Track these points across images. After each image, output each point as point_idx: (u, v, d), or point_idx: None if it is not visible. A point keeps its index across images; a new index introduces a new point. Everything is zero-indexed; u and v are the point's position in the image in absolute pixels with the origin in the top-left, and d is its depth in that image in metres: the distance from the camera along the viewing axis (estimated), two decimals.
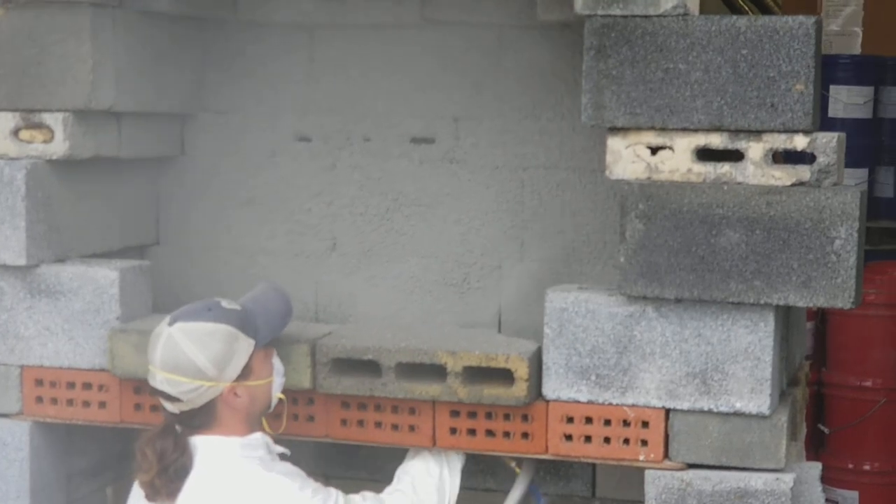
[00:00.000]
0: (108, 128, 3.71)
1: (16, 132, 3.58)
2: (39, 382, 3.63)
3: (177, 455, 3.17)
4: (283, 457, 3.32)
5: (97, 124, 3.66)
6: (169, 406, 3.21)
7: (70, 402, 3.62)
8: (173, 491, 3.17)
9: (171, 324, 3.19)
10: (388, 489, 3.41)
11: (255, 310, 3.27)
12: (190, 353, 3.14)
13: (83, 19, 3.54)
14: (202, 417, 3.20)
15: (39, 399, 3.63)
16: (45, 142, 3.57)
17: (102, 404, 3.59)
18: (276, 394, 3.32)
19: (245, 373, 3.20)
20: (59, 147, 3.56)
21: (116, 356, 3.51)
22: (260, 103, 4.06)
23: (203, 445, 3.21)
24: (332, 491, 3.26)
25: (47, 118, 3.56)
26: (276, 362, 3.33)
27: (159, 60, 3.85)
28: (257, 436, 3.27)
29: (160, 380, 3.17)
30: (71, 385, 3.61)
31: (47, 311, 3.59)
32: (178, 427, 3.22)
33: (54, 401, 3.62)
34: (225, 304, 3.24)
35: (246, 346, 3.19)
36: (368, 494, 3.34)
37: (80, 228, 3.72)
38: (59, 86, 3.55)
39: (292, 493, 3.17)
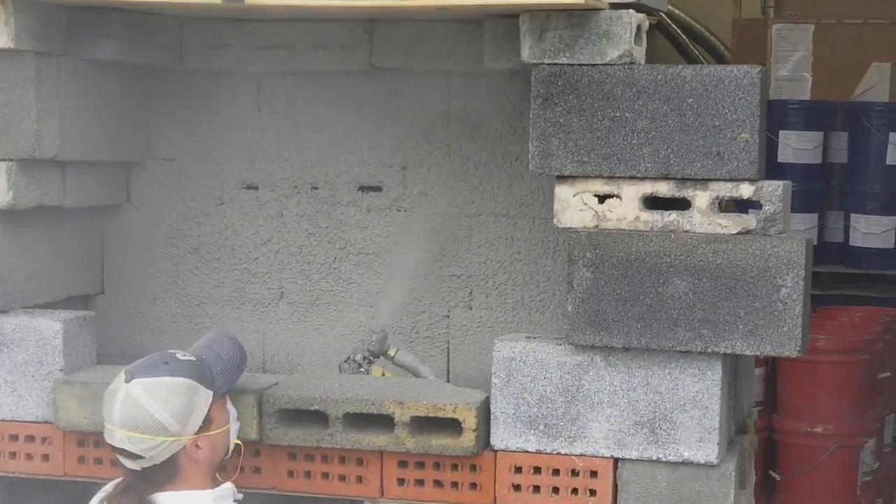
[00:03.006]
0: (53, 177, 3.68)
1: None
2: None
3: None
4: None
5: (41, 173, 3.62)
6: (129, 463, 3.13)
7: (13, 454, 3.56)
8: None
9: (128, 380, 3.10)
10: None
11: (210, 359, 3.21)
12: (151, 409, 3.06)
13: (27, 68, 3.51)
14: (164, 473, 3.13)
15: None
16: None
17: (46, 457, 3.55)
18: (234, 439, 3.26)
19: (206, 424, 3.14)
20: (2, 197, 3.51)
21: (60, 408, 3.47)
22: (207, 151, 4.04)
23: (172, 502, 3.14)
24: None
25: None
26: (230, 408, 3.28)
27: (105, 109, 3.82)
28: (226, 486, 3.22)
29: (119, 438, 3.09)
30: (14, 437, 3.56)
31: None
32: (139, 484, 3.14)
33: None
34: (180, 355, 3.18)
35: (205, 397, 3.14)
36: None
37: (24, 278, 3.67)
38: (2, 135, 3.51)
39: None
